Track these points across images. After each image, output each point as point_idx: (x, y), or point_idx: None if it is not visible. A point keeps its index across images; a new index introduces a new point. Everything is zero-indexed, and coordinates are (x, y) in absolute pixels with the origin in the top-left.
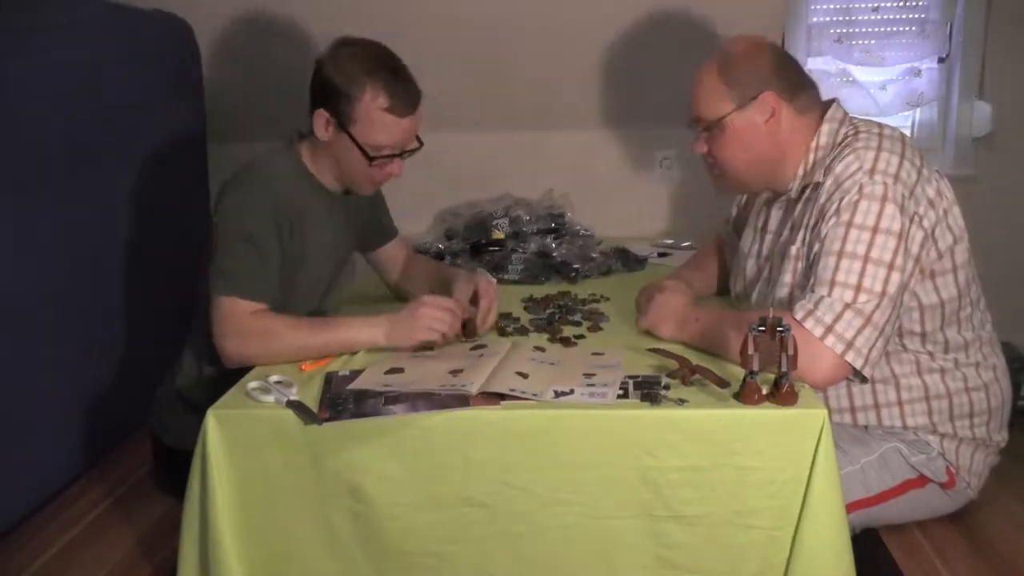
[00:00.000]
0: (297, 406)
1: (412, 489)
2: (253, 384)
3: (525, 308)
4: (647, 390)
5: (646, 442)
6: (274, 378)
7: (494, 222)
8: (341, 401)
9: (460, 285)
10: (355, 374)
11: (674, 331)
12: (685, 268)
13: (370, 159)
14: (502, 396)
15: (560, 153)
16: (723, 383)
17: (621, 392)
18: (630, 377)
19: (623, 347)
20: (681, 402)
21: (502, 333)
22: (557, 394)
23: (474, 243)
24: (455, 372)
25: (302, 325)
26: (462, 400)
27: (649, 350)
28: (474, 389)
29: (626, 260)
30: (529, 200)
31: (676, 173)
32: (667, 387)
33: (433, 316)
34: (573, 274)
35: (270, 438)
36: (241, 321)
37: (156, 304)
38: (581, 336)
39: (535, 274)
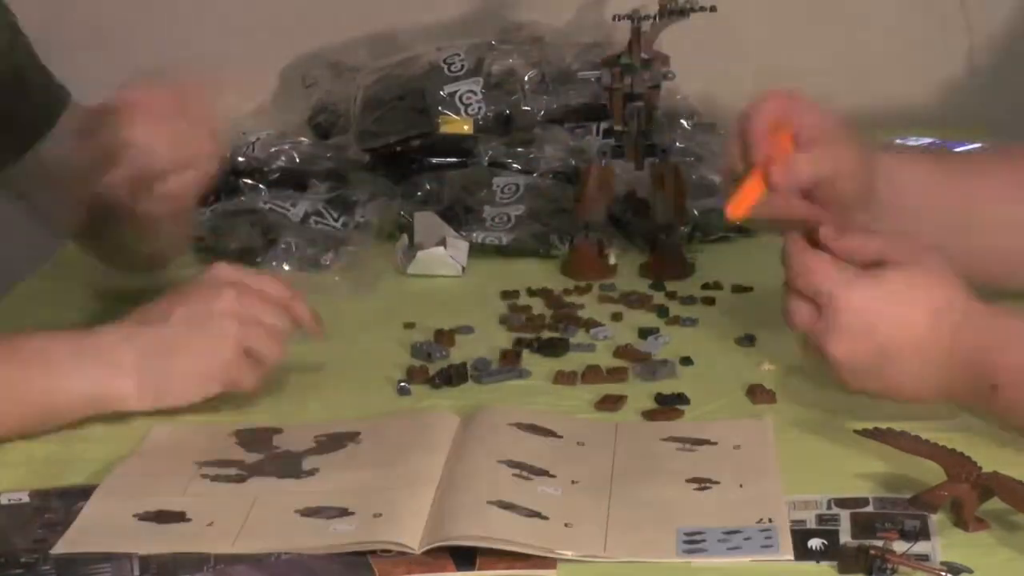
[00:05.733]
0: None
1: None
2: None
3: (504, 321)
4: (867, 545)
5: None
6: None
7: (447, 89)
8: (21, 572)
9: None
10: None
11: (923, 380)
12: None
13: None
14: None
15: None
16: None
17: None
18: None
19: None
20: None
21: (453, 380)
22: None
23: (389, 148)
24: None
25: None
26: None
27: (860, 432)
28: (412, 540)
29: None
30: (544, 28)
31: None
32: (916, 533)
33: (253, 319)
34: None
35: None
36: None
37: None
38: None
39: (556, 228)
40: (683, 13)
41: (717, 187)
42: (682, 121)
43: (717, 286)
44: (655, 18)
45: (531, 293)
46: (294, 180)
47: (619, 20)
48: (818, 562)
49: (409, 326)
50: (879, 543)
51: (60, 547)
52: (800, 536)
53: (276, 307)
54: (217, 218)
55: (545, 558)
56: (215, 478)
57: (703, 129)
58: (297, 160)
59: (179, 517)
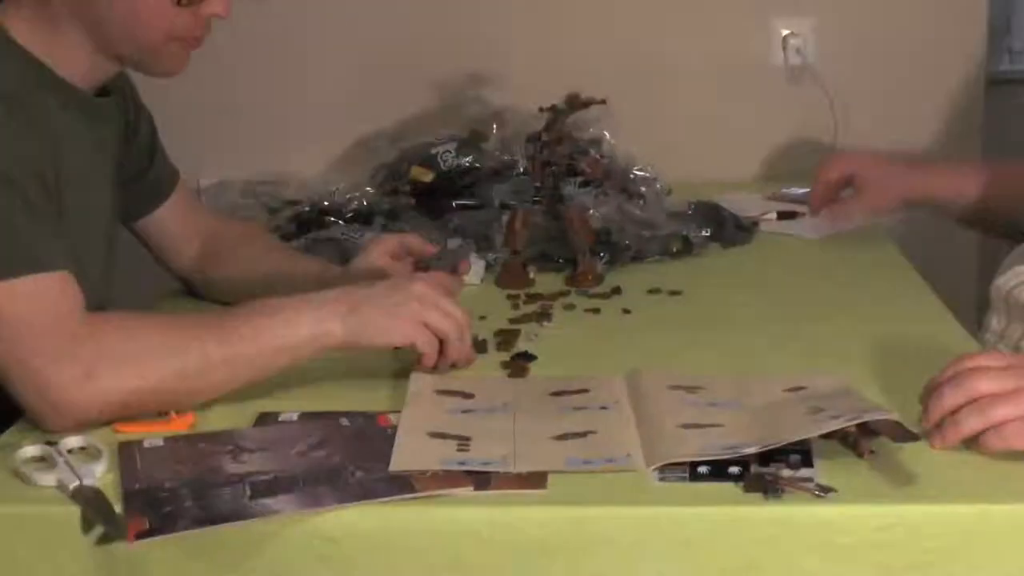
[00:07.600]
0: (93, 501)
1: None
2: (30, 451)
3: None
4: (764, 471)
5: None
6: (72, 441)
7: (441, 150)
8: (167, 495)
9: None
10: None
11: None
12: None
13: None
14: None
15: (591, 19)
16: (908, 435)
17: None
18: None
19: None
20: (825, 492)
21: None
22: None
23: (417, 190)
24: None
25: (180, 325)
26: (404, 485)
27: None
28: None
29: (718, 227)
30: (525, 112)
31: (812, 57)
32: (799, 463)
33: (432, 303)
34: (622, 254)
35: (42, 556)
36: (62, 325)
37: None
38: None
39: (545, 252)
40: (586, 105)
41: (652, 223)
42: (632, 174)
43: (656, 291)
44: (565, 108)
45: (529, 297)
46: (362, 217)
47: (542, 111)
48: (736, 483)
49: None
50: (773, 470)
51: (394, 465)
52: (723, 465)
53: (451, 298)
54: (309, 244)
55: (539, 478)
56: (490, 409)
57: (644, 181)
58: (364, 203)
59: (465, 440)
